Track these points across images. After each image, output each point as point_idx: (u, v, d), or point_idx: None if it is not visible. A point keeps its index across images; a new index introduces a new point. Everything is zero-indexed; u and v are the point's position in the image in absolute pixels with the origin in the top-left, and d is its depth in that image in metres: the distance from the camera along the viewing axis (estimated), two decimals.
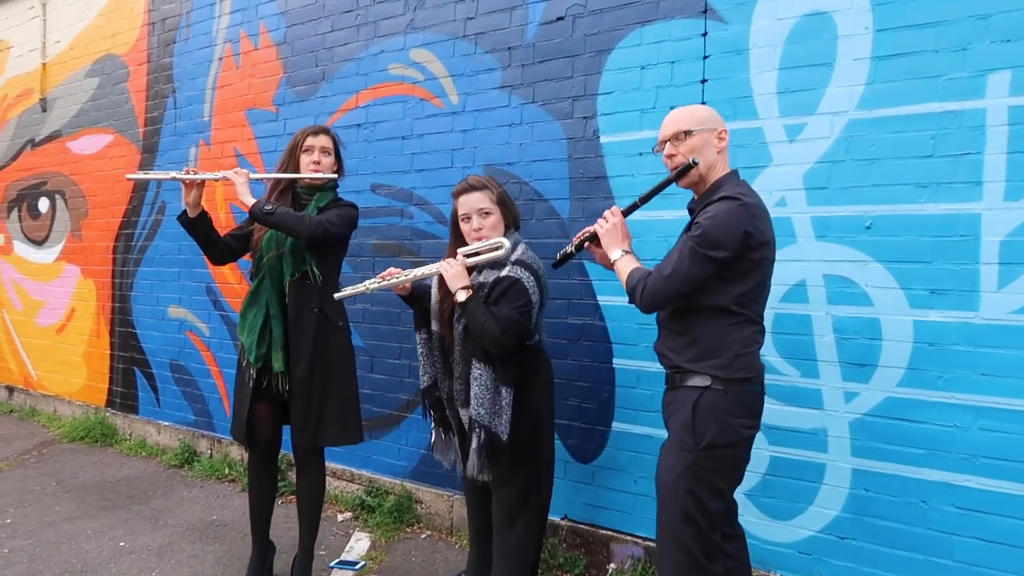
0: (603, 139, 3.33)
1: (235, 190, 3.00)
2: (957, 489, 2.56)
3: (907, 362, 2.65)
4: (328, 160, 3.11)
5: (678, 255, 2.17)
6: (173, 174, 3.03)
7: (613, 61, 3.30)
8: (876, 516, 2.71)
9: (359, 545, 3.71)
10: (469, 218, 2.73)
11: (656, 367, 3.17)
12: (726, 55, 3.01)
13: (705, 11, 3.05)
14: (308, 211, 3.05)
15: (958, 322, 2.55)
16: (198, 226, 3.12)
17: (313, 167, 3.06)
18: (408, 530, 3.88)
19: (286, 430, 3.22)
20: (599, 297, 3.35)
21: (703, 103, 3.05)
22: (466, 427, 2.72)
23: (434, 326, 2.84)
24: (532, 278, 2.64)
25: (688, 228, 2.25)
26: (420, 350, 2.91)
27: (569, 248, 2.56)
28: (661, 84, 3.17)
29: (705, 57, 3.06)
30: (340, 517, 4.06)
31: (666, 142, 2.30)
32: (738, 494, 2.84)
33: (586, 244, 2.53)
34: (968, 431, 2.54)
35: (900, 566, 2.66)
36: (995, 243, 2.48)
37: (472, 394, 2.62)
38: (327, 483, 4.28)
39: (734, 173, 2.29)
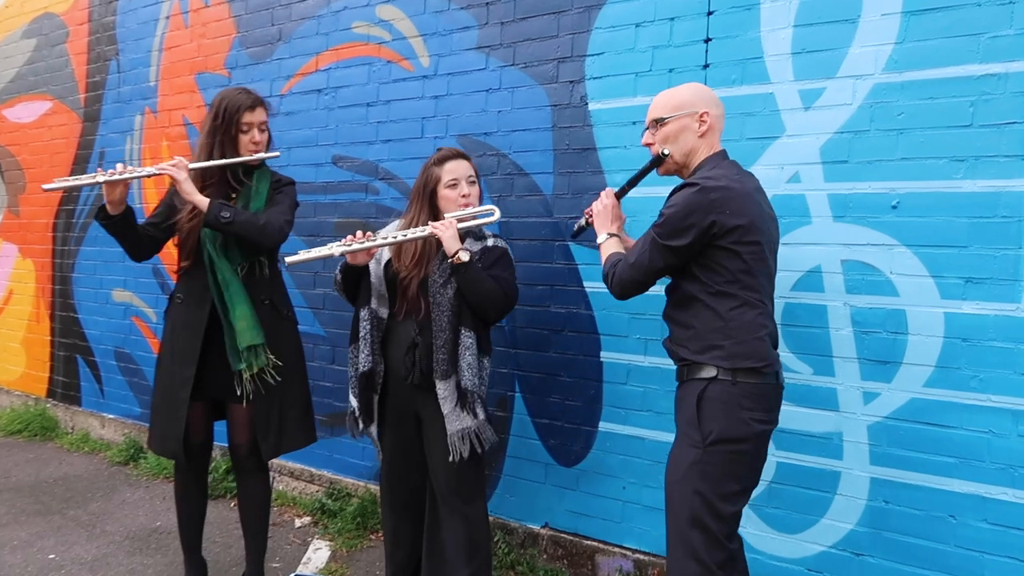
0: (592, 106, 2.97)
1: (179, 188, 2.58)
2: (991, 503, 2.27)
3: (936, 359, 2.34)
4: (265, 136, 2.77)
5: (642, 244, 2.08)
6: (101, 178, 2.55)
7: (604, 18, 2.93)
8: (897, 531, 2.41)
9: (317, 556, 3.35)
10: (457, 184, 2.58)
11: (648, 362, 2.88)
12: (733, 11, 2.66)
13: None
14: (253, 196, 2.74)
15: (996, 315, 2.25)
16: (121, 225, 2.69)
17: (253, 148, 2.72)
18: (372, 537, 3.52)
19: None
20: (586, 283, 3.01)
21: (706, 65, 2.72)
22: (444, 403, 2.47)
23: (374, 303, 2.65)
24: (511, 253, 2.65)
25: None
26: (365, 327, 2.63)
27: (582, 220, 2.43)
28: (658, 44, 2.81)
29: (709, 13, 2.71)
30: (298, 522, 3.70)
31: (647, 129, 2.20)
32: None
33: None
34: (1006, 438, 2.24)
35: None
36: None
37: (465, 364, 2.48)
38: (284, 485, 3.95)
39: (716, 155, 2.11)
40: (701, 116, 2.08)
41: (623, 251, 2.20)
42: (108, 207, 2.64)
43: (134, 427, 4.72)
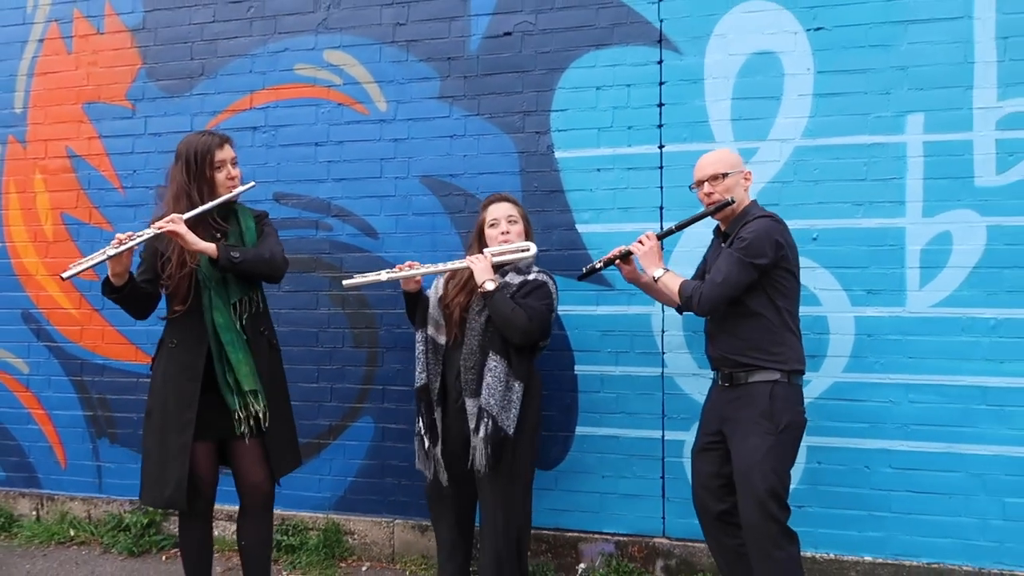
0: (558, 154, 3.44)
1: (183, 242, 2.59)
2: (893, 453, 3.11)
3: (850, 351, 3.15)
4: (238, 171, 2.87)
5: (726, 265, 2.52)
6: (112, 251, 2.53)
7: (567, 80, 3.43)
8: (828, 484, 3.18)
9: None
10: (498, 223, 2.93)
11: (620, 371, 3.39)
12: (682, 82, 3.31)
13: (660, 41, 3.32)
14: (245, 232, 2.84)
15: (890, 316, 3.11)
16: (130, 294, 2.71)
17: (230, 184, 2.81)
18: (343, 565, 3.61)
19: None
20: (559, 307, 3.44)
21: (660, 125, 3.33)
22: (471, 419, 2.79)
23: (430, 330, 2.96)
24: (553, 286, 2.94)
25: (728, 244, 2.60)
26: (420, 348, 2.98)
27: (598, 264, 2.89)
28: (617, 105, 3.37)
29: (661, 83, 3.33)
30: None
31: (703, 182, 2.67)
32: None
33: (616, 262, 2.84)
34: (900, 405, 3.10)
35: (848, 523, 3.16)
36: (917, 251, 3.08)
37: (485, 383, 2.74)
38: (221, 529, 3.84)
39: (754, 202, 2.70)
40: (746, 175, 2.70)
41: (686, 279, 2.67)
42: (113, 280, 2.63)
43: None
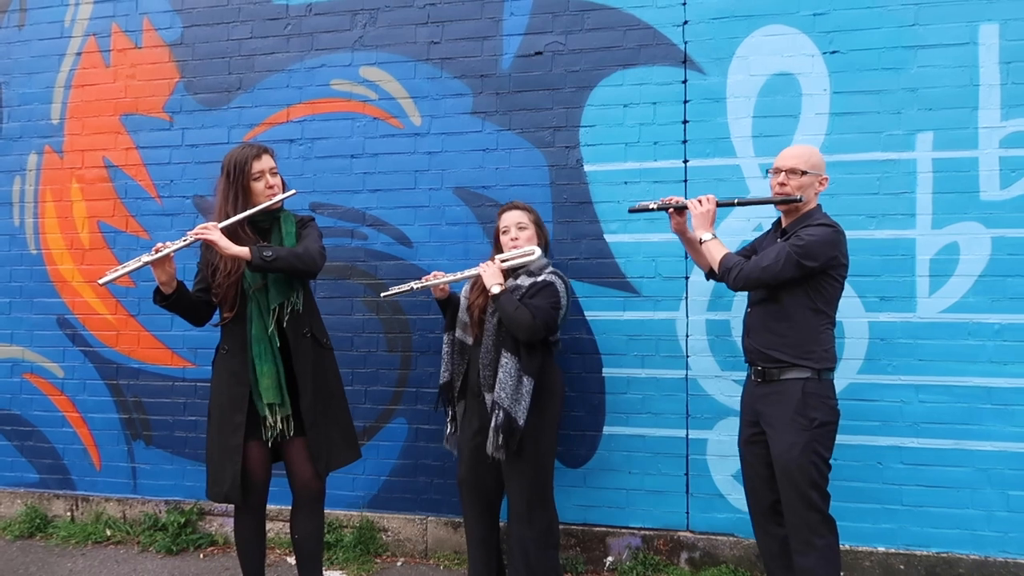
0: (587, 167, 3.63)
1: (217, 247, 2.74)
2: (904, 450, 3.32)
3: (864, 354, 3.36)
4: (278, 179, 3.00)
5: (775, 255, 2.65)
6: (147, 258, 2.71)
7: (595, 97, 3.62)
8: (843, 479, 3.36)
9: None
10: (508, 230, 3.13)
11: (646, 373, 3.57)
12: (705, 101, 3.51)
13: (685, 61, 3.53)
14: (284, 237, 2.96)
15: (902, 321, 3.32)
16: (179, 301, 2.89)
17: (269, 193, 2.94)
18: (378, 561, 3.75)
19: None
20: (586, 313, 3.63)
21: (685, 141, 3.53)
22: (488, 411, 2.98)
23: (458, 332, 3.19)
24: (563, 285, 3.06)
25: (784, 238, 2.73)
26: (445, 349, 3.26)
27: (652, 204, 2.96)
28: (644, 122, 3.57)
29: (685, 101, 3.53)
30: (292, 560, 3.77)
31: (781, 171, 2.76)
32: (729, 473, 3.35)
33: (669, 210, 2.94)
34: (911, 404, 3.31)
35: (862, 516, 3.36)
36: (926, 260, 3.30)
37: (497, 379, 2.95)
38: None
39: (819, 207, 2.80)
40: (822, 180, 2.76)
41: (730, 251, 2.79)
42: (162, 288, 2.80)
43: (32, 495, 4.28)
